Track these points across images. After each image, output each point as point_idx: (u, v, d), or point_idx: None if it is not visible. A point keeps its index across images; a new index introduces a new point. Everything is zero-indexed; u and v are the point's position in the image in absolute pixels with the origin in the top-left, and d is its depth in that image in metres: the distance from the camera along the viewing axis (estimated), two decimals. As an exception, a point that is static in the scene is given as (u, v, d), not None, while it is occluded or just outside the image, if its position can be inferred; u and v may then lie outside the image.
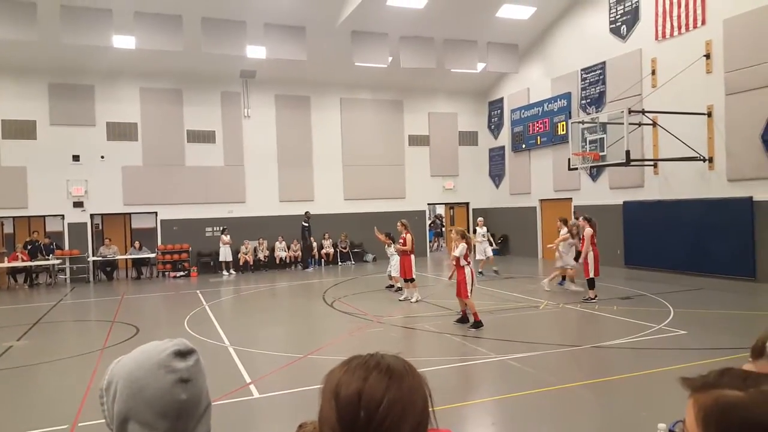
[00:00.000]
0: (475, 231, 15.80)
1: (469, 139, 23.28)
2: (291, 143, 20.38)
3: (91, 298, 14.87)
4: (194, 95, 19.17)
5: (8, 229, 19.81)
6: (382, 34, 16.84)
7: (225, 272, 18.44)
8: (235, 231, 18.86)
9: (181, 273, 18.30)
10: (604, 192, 17.18)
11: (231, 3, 15.23)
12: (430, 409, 1.01)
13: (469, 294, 9.11)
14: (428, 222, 22.78)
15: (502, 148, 22.37)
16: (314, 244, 19.64)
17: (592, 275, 11.17)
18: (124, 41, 15.22)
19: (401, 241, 12.04)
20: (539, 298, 11.81)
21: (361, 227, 19.82)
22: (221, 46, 15.43)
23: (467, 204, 23.44)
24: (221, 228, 18.77)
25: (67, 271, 17.59)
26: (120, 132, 18.37)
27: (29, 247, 17.45)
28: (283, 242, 19.71)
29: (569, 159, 14.96)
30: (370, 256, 20.72)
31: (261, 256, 19.40)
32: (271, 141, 20.16)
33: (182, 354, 1.12)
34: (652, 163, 15.10)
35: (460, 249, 9.13)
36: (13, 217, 18.44)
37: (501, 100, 22.36)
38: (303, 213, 19.39)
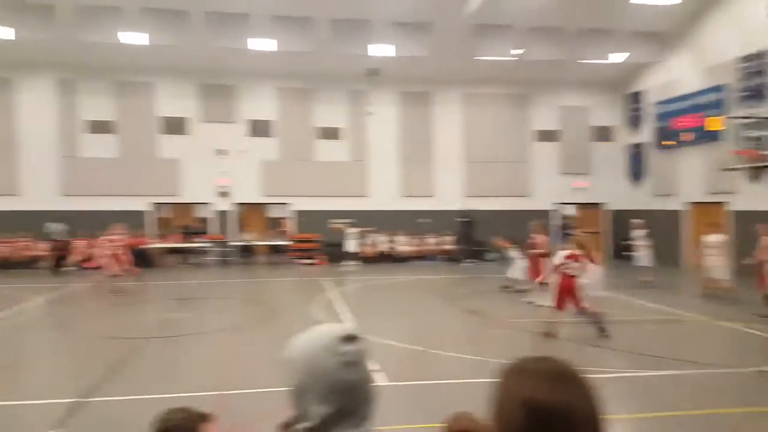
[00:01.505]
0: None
1: (603, 134, 21.86)
2: (412, 139, 20.62)
3: (232, 279, 16.27)
4: (324, 94, 20.13)
5: (165, 214, 22.30)
6: (508, 27, 16.36)
7: (349, 263, 19.18)
8: (359, 224, 19.52)
9: (310, 261, 19.39)
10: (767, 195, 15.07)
11: (358, 3, 15.72)
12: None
13: (568, 304, 8.54)
14: (556, 223, 21.75)
15: (643, 144, 20.60)
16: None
17: None
18: (263, 43, 16.39)
19: (533, 242, 11.67)
20: (684, 311, 10.77)
21: (483, 225, 19.48)
22: (348, 45, 16.02)
23: (600, 205, 22.05)
24: (347, 221, 19.55)
25: (213, 253, 19.46)
26: (259, 129, 19.87)
27: (182, 230, 19.55)
28: (404, 236, 20.04)
29: (723, 158, 13.35)
30: (492, 255, 20.31)
31: (383, 249, 19.89)
32: (393, 137, 20.56)
33: (348, 339, 1.24)
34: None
35: (558, 256, 8.66)
36: (170, 204, 20.73)
37: (642, 92, 20.64)
38: (462, 209, 19.63)
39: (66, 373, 7.48)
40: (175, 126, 19.36)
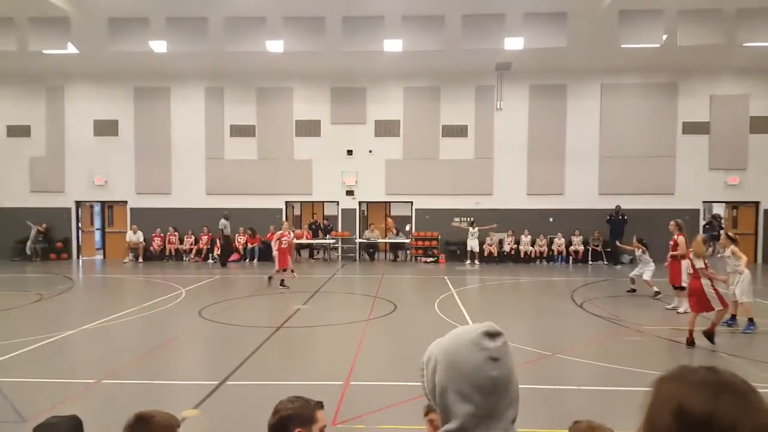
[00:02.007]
0: None
1: (763, 125, 19.38)
2: (543, 134, 19.87)
3: (357, 274, 16.94)
4: (450, 91, 20.12)
5: (296, 211, 23.80)
6: (656, 11, 15.11)
7: (470, 262, 19.05)
8: (481, 222, 19.29)
9: (431, 259, 19.56)
10: None
11: (489, -2, 15.44)
12: None
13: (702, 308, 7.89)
14: (703, 223, 19.75)
15: (812, 135, 18.03)
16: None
17: None
18: (393, 45, 16.73)
19: (672, 243, 10.78)
20: None
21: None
22: (479, 41, 15.80)
23: (757, 203, 19.61)
24: (469, 219, 19.41)
25: (339, 249, 20.42)
26: (385, 129, 20.40)
27: (312, 227, 20.74)
28: (529, 236, 19.43)
29: None
30: (626, 257, 18.98)
31: (507, 248, 19.46)
32: (522, 133, 19.97)
33: (491, 335, 1.22)
34: None
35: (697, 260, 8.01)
36: (301, 202, 22.10)
37: (813, 76, 18.00)
38: (614, 207, 19.03)
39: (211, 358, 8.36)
40: (309, 128, 20.57)
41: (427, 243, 19.96)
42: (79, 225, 21.08)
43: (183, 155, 20.47)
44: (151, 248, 19.92)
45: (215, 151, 20.56)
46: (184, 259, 19.78)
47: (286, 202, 20.92)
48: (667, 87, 19.58)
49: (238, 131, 20.52)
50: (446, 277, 15.55)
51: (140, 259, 19.63)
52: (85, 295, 13.54)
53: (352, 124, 20.36)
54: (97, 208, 21.79)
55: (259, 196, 20.36)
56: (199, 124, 20.48)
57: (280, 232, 13.50)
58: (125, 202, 20.72)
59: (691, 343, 7.90)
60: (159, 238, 20.05)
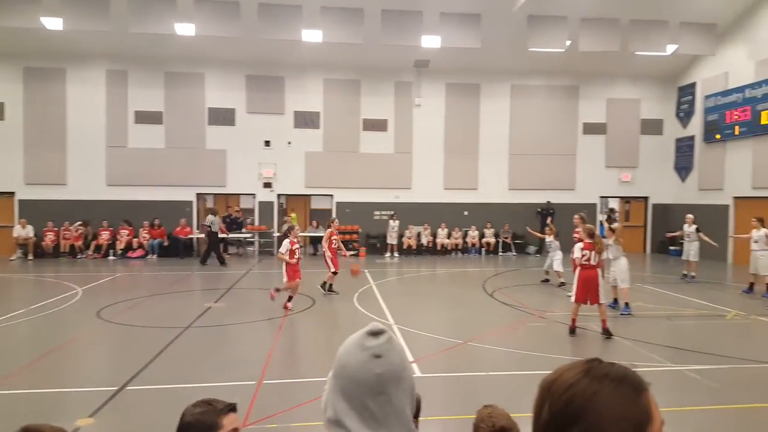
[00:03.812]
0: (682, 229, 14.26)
1: (652, 127, 21.19)
2: (458, 131, 20.49)
3: (275, 269, 16.61)
4: (371, 85, 20.18)
5: (209, 204, 22.88)
6: (560, 17, 16.04)
7: (389, 254, 19.31)
8: (401, 216, 19.60)
9: (352, 252, 19.56)
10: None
11: (408, -6, 15.66)
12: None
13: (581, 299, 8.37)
14: (601, 217, 21.25)
15: (692, 138, 19.97)
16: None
17: None
18: (312, 35, 16.50)
19: (576, 235, 11.49)
20: (726, 307, 10.45)
21: (525, 218, 19.28)
22: (398, 37, 15.99)
23: (646, 198, 21.44)
24: (391, 213, 19.64)
25: (256, 244, 19.92)
26: (305, 120, 20.10)
27: (227, 220, 20.04)
28: (446, 229, 20.01)
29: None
30: (532, 248, 20.09)
31: (424, 241, 19.91)
32: (439, 129, 20.47)
33: (374, 334, 1.25)
34: None
35: (576, 249, 8.50)
36: (214, 194, 21.29)
37: (693, 85, 19.92)
38: (544, 202, 19.80)
39: (108, 361, 7.85)
40: (222, 117, 19.81)
41: (347, 236, 19.93)
42: (-42, 218, 19.00)
43: (80, 143, 18.94)
44: (43, 244, 18.28)
45: (117, 138, 19.23)
46: (79, 256, 18.26)
47: (198, 194, 20.08)
48: (569, 90, 20.84)
49: (144, 118, 19.31)
50: (366, 270, 15.65)
51: (30, 257, 18.00)
52: (-34, 295, 12.25)
53: (270, 114, 19.88)
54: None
55: (167, 187, 19.35)
56: (99, 109, 19.05)
57: (330, 230, 12.12)
58: (12, 194, 18.90)
59: (572, 331, 8.40)
60: (52, 233, 18.44)
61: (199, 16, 15.48)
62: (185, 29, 15.77)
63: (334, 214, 20.22)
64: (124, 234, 18.58)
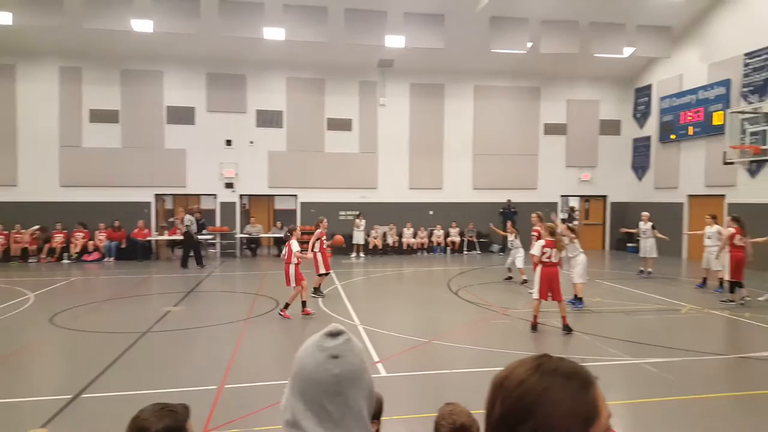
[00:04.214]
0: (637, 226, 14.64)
1: (611, 128, 21.77)
2: (423, 131, 20.58)
3: (238, 271, 16.33)
4: (335, 85, 20.06)
5: (169, 205, 22.37)
6: (522, 19, 16.30)
7: (355, 254, 19.23)
8: (367, 216, 19.55)
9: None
10: (765, 190, 15.15)
11: (372, -7, 15.64)
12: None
13: (543, 296, 8.48)
14: (561, 216, 21.71)
15: (648, 138, 20.63)
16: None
17: (728, 278, 10.64)
18: (274, 33, 16.28)
19: (534, 232, 11.67)
20: (681, 301, 10.82)
21: (490, 217, 19.51)
22: (362, 36, 15.95)
23: (605, 197, 22.01)
24: (356, 213, 19.56)
25: (218, 246, 19.54)
26: (267, 119, 19.82)
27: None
28: (411, 228, 20.07)
29: (725, 152, 13.39)
30: (496, 247, 20.35)
31: (390, 241, 19.91)
32: (403, 129, 20.51)
33: (332, 334, 1.25)
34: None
35: (536, 247, 8.60)
36: (173, 195, 20.78)
37: (649, 87, 20.56)
38: (505, 201, 19.99)
39: (63, 369, 7.55)
40: (182, 115, 19.34)
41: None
42: None
43: (32, 142, 18.18)
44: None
45: (71, 138, 18.53)
46: (30, 260, 17.46)
47: (156, 195, 19.57)
48: (531, 91, 21.20)
49: (99, 117, 18.67)
50: (331, 271, 15.52)
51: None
52: None
53: (231, 112, 19.53)
54: None
55: (124, 188, 18.79)
56: (52, 107, 18.33)
57: (320, 230, 11.72)
58: (-44, 195, 17.98)
59: (534, 327, 8.54)
60: (2, 236, 17.61)
61: (157, 11, 15.08)
62: (142, 26, 15.33)
63: (298, 215, 20.04)
64: (79, 236, 17.94)
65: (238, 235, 19.63)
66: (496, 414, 0.97)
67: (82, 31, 15.77)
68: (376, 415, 1.25)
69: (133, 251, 18.06)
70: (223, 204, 19.77)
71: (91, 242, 18.07)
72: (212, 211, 20.03)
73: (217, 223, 19.75)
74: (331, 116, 20.07)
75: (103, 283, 14.03)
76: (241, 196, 20.00)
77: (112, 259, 17.85)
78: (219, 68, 19.31)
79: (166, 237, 18.78)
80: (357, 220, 19.27)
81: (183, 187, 19.49)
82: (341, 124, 20.15)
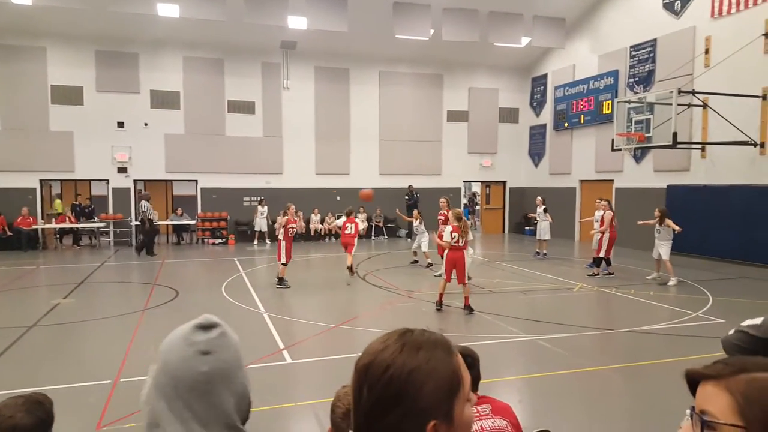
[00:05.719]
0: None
1: (509, 116, 22.83)
2: (329, 116, 20.41)
3: (133, 261, 15.40)
4: (235, 66, 19.32)
5: (56, 191, 20.59)
6: (424, 6, 16.54)
7: (260, 241, 18.80)
8: (272, 202, 19.12)
9: (220, 240, 18.77)
10: (648, 175, 16.68)
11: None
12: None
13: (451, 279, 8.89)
14: (464, 200, 22.59)
15: (544, 126, 21.86)
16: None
17: (602, 255, 12.04)
18: (168, 9, 15.36)
19: (441, 216, 12.01)
20: (573, 280, 11.68)
21: (396, 202, 19.82)
22: (263, 16, 15.44)
23: (504, 183, 23.13)
24: (258, 198, 19.07)
25: (111, 234, 18.28)
26: (163, 100, 18.72)
27: (76, 209, 18.14)
28: (319, 214, 19.92)
29: (613, 139, 14.52)
30: (403, 232, 20.77)
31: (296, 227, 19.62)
32: (309, 113, 20.23)
33: (204, 327, 1.12)
34: (699, 146, 14.53)
35: (446, 232, 8.91)
36: (61, 180, 19.14)
37: (545, 76, 21.76)
38: (407, 187, 20.03)
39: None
40: (68, 95, 17.77)
41: (214, 224, 19.05)
42: None
43: None
44: None
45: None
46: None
47: (42, 181, 17.93)
48: (434, 78, 21.69)
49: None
50: (236, 259, 15.10)
51: None
52: None
53: (123, 93, 18.25)
54: None
55: (4, 173, 17.06)
56: None
57: (287, 217, 10.97)
58: None
59: (439, 305, 8.91)
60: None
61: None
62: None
63: (198, 202, 19.23)
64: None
65: (133, 223, 18.48)
66: (365, 403, 0.95)
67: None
68: (243, 421, 1.17)
69: (18, 241, 16.48)
70: (115, 190, 18.51)
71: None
72: (104, 198, 18.70)
73: (110, 210, 18.47)
74: (232, 98, 19.34)
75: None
76: (136, 181, 18.82)
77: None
78: (109, 46, 17.94)
79: (53, 225, 17.30)
80: (259, 207, 18.79)
81: (71, 171, 18.02)
82: (243, 107, 19.49)
